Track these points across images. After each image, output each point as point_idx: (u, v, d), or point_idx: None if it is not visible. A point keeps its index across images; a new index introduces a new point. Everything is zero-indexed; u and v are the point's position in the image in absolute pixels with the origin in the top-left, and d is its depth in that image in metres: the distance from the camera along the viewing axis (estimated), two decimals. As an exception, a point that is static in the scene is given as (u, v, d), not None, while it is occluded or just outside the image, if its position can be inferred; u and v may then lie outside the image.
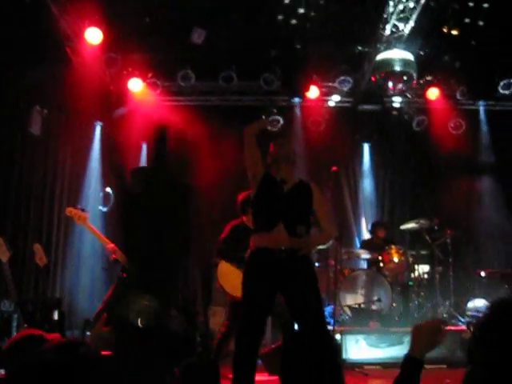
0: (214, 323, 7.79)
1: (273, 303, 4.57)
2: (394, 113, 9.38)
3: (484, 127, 9.61)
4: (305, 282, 4.38)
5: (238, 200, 6.40)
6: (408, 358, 2.26)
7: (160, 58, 8.63)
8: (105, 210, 8.72)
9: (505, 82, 8.93)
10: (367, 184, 9.90)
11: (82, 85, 7.72)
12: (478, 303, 8.21)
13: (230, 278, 6.22)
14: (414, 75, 8.10)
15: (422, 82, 8.97)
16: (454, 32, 7.68)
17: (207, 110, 9.14)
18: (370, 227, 9.08)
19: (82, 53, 7.85)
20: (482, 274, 7.47)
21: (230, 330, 6.33)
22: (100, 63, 8.19)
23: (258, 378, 3.38)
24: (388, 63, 8.12)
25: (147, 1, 7.50)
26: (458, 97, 9.20)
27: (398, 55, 8.03)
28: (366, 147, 9.97)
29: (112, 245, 5.91)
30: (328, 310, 7.96)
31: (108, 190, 8.76)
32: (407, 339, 7.19)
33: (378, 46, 8.06)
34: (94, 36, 7.60)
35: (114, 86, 8.76)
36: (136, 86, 8.81)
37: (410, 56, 8.01)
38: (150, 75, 8.79)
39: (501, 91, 9.04)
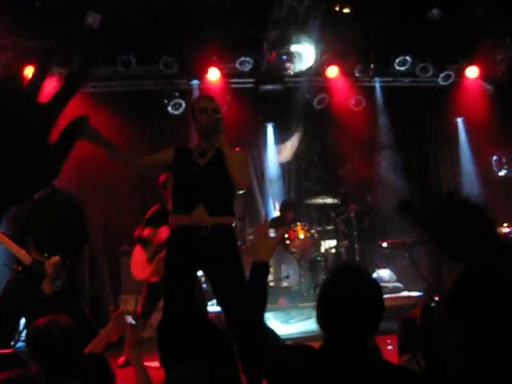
0: (124, 312, 7.68)
1: (194, 281, 4.53)
2: (295, 92, 9.47)
3: (381, 103, 9.87)
4: (223, 261, 4.29)
5: (159, 182, 6.34)
6: (255, 263, 2.39)
7: (54, 43, 8.31)
8: None
9: (400, 58, 9.18)
10: (272, 164, 9.99)
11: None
12: (383, 273, 8.52)
13: (136, 259, 6.20)
14: (313, 54, 8.23)
15: (320, 60, 9.08)
16: (346, 10, 7.82)
17: (107, 96, 8.92)
18: (280, 206, 9.18)
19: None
20: (384, 244, 7.70)
21: (144, 315, 6.28)
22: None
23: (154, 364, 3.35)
24: (286, 43, 8.23)
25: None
26: (357, 74, 9.41)
27: (295, 34, 8.14)
28: (270, 127, 10.05)
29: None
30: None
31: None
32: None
33: (276, 25, 8.12)
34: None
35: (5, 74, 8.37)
36: (31, 73, 8.47)
37: (307, 35, 8.14)
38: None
39: (397, 68, 9.30)
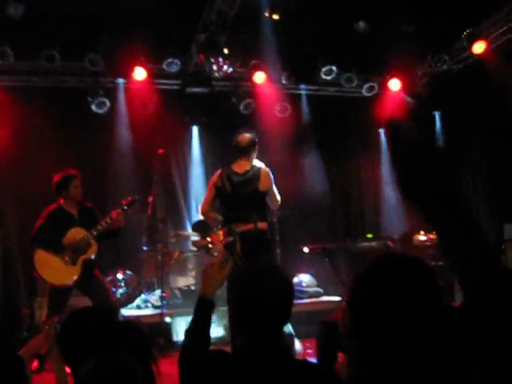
0: (40, 316, 7.43)
1: None
2: (222, 96, 9.48)
3: (306, 111, 10.02)
4: None
5: (54, 182, 6.16)
6: (200, 298, 2.39)
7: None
8: None
9: (326, 68, 9.35)
10: (197, 166, 9.93)
11: None
12: (304, 278, 8.62)
13: (48, 265, 6.00)
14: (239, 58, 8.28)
15: (248, 65, 9.13)
16: (275, 17, 7.89)
17: (28, 92, 8.62)
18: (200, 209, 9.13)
19: None
20: (305, 249, 7.80)
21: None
22: None
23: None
24: (214, 46, 8.22)
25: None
26: (283, 81, 9.51)
27: (223, 39, 8.15)
28: (195, 130, 9.99)
29: None
30: (158, 293, 7.93)
31: None
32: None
33: (205, 28, 8.11)
34: None
35: None
36: None
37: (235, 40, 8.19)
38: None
39: (323, 77, 9.47)
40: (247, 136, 5.76)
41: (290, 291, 2.26)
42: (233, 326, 2.29)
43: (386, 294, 1.43)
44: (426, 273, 1.49)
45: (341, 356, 3.04)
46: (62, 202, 6.17)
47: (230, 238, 5.47)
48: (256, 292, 2.17)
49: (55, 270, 5.96)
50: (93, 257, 6.10)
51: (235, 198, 5.58)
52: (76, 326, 2.35)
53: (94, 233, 6.02)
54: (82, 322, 2.37)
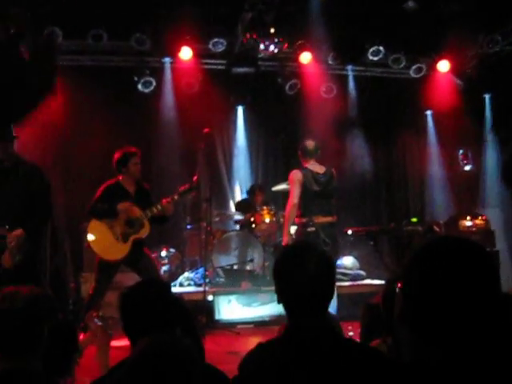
0: (85, 290, 7.59)
1: None
2: (267, 76, 9.44)
3: (352, 92, 9.90)
4: None
5: (114, 158, 6.23)
6: None
7: (24, 13, 8.08)
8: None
9: (374, 48, 9.20)
10: (241, 147, 9.95)
11: None
12: (346, 260, 8.58)
13: (101, 238, 6.09)
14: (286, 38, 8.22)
15: (294, 46, 9.05)
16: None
17: (76, 70, 8.74)
18: (248, 189, 9.17)
19: None
20: (349, 232, 7.75)
21: (98, 292, 6.21)
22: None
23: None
24: (260, 25, 8.17)
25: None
26: (330, 61, 9.41)
27: (269, 18, 8.10)
28: (240, 110, 9.99)
29: None
30: (200, 271, 8.01)
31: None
32: (278, 297, 7.39)
33: (251, 8, 8.06)
34: None
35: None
36: (-3, 44, 8.21)
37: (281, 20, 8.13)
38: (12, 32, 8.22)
39: (370, 57, 9.33)
40: (313, 141, 6.67)
41: (330, 267, 2.24)
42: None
43: (442, 279, 1.39)
44: (484, 257, 1.44)
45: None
46: (120, 178, 6.25)
47: (313, 228, 6.29)
48: (296, 269, 2.16)
49: (107, 244, 6.06)
50: (144, 237, 6.18)
51: (320, 195, 6.42)
52: (138, 297, 2.39)
53: (149, 214, 6.10)
54: (143, 293, 2.41)
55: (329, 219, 6.41)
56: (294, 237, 6.64)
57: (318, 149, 6.60)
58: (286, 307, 2.22)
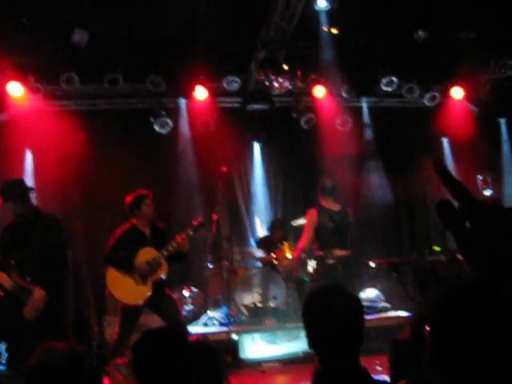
0: (109, 333, 7.57)
1: None
2: (282, 112, 9.51)
3: (367, 123, 9.94)
4: None
5: (127, 202, 6.27)
6: None
7: (41, 60, 8.26)
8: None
9: (386, 79, 9.25)
10: (259, 183, 9.98)
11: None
12: (370, 293, 8.49)
13: (120, 284, 6.10)
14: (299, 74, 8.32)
15: (307, 80, 9.13)
16: (334, 31, 7.87)
17: (93, 114, 8.89)
18: (267, 226, 9.16)
19: None
20: (372, 264, 7.70)
21: (123, 337, 6.20)
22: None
23: None
24: (273, 63, 8.27)
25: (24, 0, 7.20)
26: (344, 94, 9.46)
27: (282, 55, 8.20)
28: (257, 146, 10.05)
29: None
30: (224, 310, 7.97)
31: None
32: (303, 334, 7.30)
33: (264, 45, 8.17)
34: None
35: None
36: (16, 90, 8.38)
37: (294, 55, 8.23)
38: (31, 78, 8.39)
39: (383, 88, 9.38)
40: (331, 181, 7.23)
41: (358, 308, 2.22)
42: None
43: (477, 324, 1.36)
44: None
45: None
46: (134, 221, 6.28)
47: (332, 261, 6.89)
48: (323, 311, 2.14)
49: (127, 288, 6.06)
50: (163, 276, 6.17)
51: (335, 231, 6.97)
52: (149, 346, 2.37)
53: (165, 253, 6.10)
54: (155, 342, 2.39)
55: (344, 253, 6.95)
56: (314, 268, 7.31)
57: (335, 188, 7.15)
58: (316, 351, 2.20)
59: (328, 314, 2.15)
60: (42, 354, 2.30)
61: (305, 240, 7.07)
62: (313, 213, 7.11)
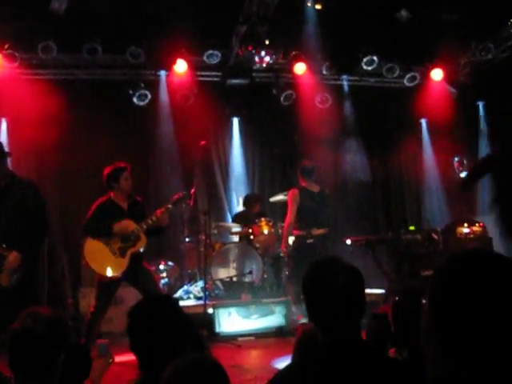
0: (84, 305, 7.54)
1: None
2: (262, 87, 9.46)
3: (348, 101, 9.94)
4: None
5: (104, 175, 6.20)
6: None
7: (18, 27, 8.08)
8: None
9: (367, 58, 9.24)
10: (237, 158, 9.96)
11: None
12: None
13: (98, 256, 6.04)
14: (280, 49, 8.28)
15: (288, 56, 9.08)
16: (318, 7, 7.83)
17: (71, 84, 8.74)
18: (243, 201, 9.16)
19: None
20: (348, 241, 7.73)
21: (100, 310, 6.17)
22: None
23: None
24: (255, 37, 8.20)
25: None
26: (324, 72, 9.44)
27: (264, 30, 8.12)
28: (236, 121, 10.00)
29: None
30: (200, 284, 7.98)
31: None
32: (278, 309, 7.38)
33: (246, 20, 8.09)
34: None
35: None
36: (-9, 57, 8.20)
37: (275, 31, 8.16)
38: (6, 46, 8.21)
39: (364, 67, 9.37)
40: (311, 163, 7.53)
41: (359, 280, 2.20)
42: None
43: (476, 292, 1.36)
44: None
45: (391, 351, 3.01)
46: (112, 194, 6.20)
47: (311, 240, 7.20)
48: (325, 284, 2.13)
49: (105, 261, 6.01)
50: (142, 249, 6.14)
51: (315, 211, 7.26)
52: (146, 316, 2.36)
53: (144, 226, 6.06)
54: (151, 310, 2.38)
55: (322, 231, 7.27)
56: (292, 247, 7.35)
57: (314, 170, 7.44)
58: (317, 324, 2.18)
59: (330, 287, 2.12)
60: (25, 319, 2.27)
61: (291, 217, 7.31)
62: (295, 192, 7.37)
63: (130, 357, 2.48)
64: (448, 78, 9.87)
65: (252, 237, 8.22)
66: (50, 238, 7.98)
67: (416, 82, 9.75)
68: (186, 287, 8.29)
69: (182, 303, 7.88)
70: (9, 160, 5.63)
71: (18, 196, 5.33)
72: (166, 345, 2.23)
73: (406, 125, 10.21)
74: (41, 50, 8.23)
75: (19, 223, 5.24)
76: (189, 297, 8.13)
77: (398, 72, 9.48)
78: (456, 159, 9.95)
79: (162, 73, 9.15)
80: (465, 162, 9.83)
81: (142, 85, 8.93)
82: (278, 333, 7.16)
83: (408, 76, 9.67)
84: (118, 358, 4.60)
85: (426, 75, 9.78)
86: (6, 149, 5.66)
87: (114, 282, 6.12)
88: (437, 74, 9.71)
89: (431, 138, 10.39)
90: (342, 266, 2.21)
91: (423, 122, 10.48)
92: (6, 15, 7.57)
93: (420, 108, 9.79)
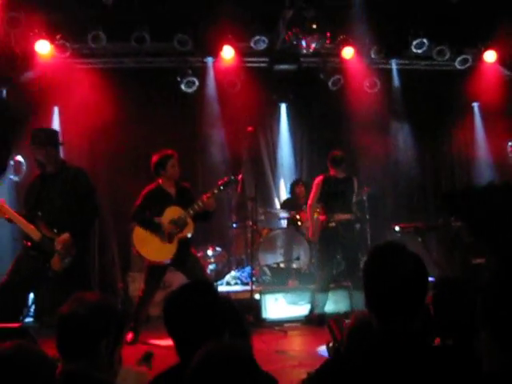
0: (133, 289, 7.70)
1: None
2: (310, 72, 9.38)
3: (396, 86, 9.76)
4: None
5: (152, 162, 6.30)
6: None
7: (69, 18, 8.23)
8: (16, 179, 8.37)
9: (417, 41, 9.03)
10: (285, 144, 9.93)
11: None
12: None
13: (147, 242, 6.16)
14: (328, 34, 8.16)
15: (336, 41, 8.96)
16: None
17: (120, 73, 8.87)
18: (289, 186, 9.16)
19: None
20: (397, 228, 7.65)
21: (147, 294, 6.29)
22: (2, 23, 7.73)
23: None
24: (301, 22, 8.12)
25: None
26: (373, 56, 9.28)
27: (310, 14, 8.03)
28: (283, 107, 9.96)
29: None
30: (247, 270, 8.02)
31: (19, 158, 8.40)
32: (325, 295, 7.35)
33: (292, 4, 8.01)
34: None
35: (19, 49, 8.30)
36: (43, 47, 8.37)
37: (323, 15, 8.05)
38: (58, 37, 8.37)
39: (413, 50, 9.17)
40: (340, 153, 7.37)
41: (425, 270, 2.10)
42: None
43: None
44: None
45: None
46: (160, 181, 6.32)
47: (333, 224, 7.17)
48: (389, 273, 2.05)
49: (153, 247, 6.13)
50: (189, 235, 6.22)
51: (339, 196, 7.24)
52: (183, 302, 2.38)
53: (191, 212, 6.14)
54: (188, 298, 2.40)
55: (347, 216, 7.27)
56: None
57: (343, 159, 7.34)
58: (374, 312, 2.12)
59: (395, 277, 2.04)
60: (72, 304, 2.33)
61: (312, 198, 7.37)
62: (320, 178, 7.41)
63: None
64: (502, 60, 9.56)
65: (299, 223, 8.21)
66: (99, 224, 8.18)
67: (468, 64, 9.46)
68: (233, 273, 8.35)
69: (229, 289, 7.97)
70: (61, 148, 5.77)
71: (68, 181, 5.47)
72: (200, 331, 2.24)
73: (457, 109, 9.96)
74: (91, 39, 8.36)
75: (70, 208, 5.38)
76: (236, 282, 8.19)
77: (448, 54, 9.22)
78: (510, 144, 9.68)
79: (209, 59, 9.17)
80: (519, 146, 9.57)
81: (190, 72, 8.97)
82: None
83: (459, 59, 9.39)
84: (164, 342, 4.70)
85: (478, 57, 9.48)
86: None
87: (161, 267, 6.24)
88: (490, 56, 9.40)
89: (484, 122, 10.11)
90: (408, 254, 2.11)
91: (475, 105, 10.20)
92: (57, 6, 7.73)
93: (472, 91, 9.52)
